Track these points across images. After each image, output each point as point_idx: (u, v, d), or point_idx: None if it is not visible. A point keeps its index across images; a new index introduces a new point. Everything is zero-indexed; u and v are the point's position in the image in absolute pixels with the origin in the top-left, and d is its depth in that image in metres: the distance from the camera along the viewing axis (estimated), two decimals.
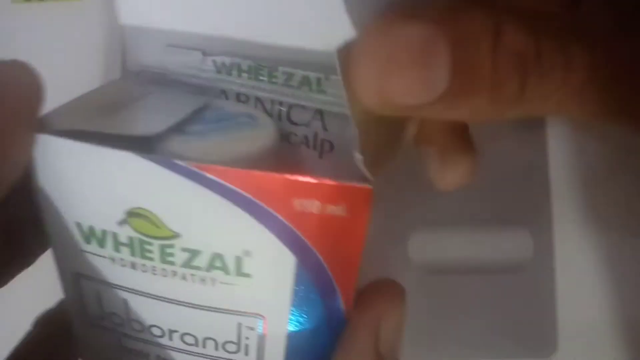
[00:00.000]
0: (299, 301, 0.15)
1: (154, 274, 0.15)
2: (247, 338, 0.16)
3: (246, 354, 0.16)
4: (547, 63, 0.13)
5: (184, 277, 0.15)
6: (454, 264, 0.30)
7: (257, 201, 0.13)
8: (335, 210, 0.14)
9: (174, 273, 0.15)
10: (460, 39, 0.13)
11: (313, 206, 0.13)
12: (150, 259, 0.14)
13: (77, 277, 0.16)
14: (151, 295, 0.15)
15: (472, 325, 0.29)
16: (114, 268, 0.15)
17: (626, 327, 0.29)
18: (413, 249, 0.30)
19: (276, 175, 0.13)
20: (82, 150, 0.13)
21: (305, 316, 0.15)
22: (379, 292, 0.17)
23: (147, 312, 0.16)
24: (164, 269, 0.15)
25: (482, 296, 0.29)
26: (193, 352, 0.16)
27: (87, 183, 0.14)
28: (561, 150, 0.29)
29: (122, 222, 0.14)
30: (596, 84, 0.14)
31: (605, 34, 0.14)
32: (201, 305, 0.15)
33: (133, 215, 0.14)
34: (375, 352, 0.16)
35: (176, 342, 0.16)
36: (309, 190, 0.13)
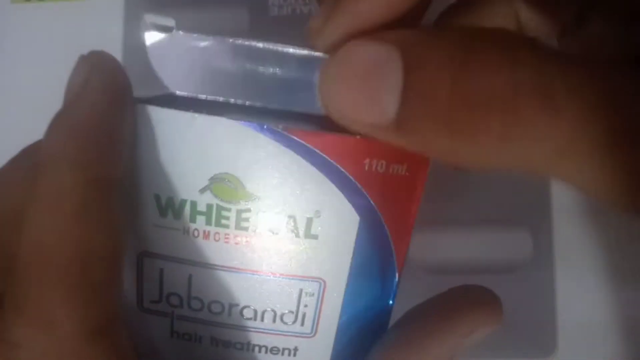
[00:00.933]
0: (358, 263, 0.16)
1: (226, 242, 0.15)
2: (305, 306, 0.16)
3: (302, 324, 0.17)
4: (525, 106, 0.11)
5: (255, 243, 0.15)
6: (454, 264, 0.30)
7: (333, 161, 0.15)
8: (398, 169, 0.15)
9: (247, 239, 0.15)
10: (419, 66, 0.11)
11: (380, 166, 0.15)
12: (225, 226, 0.15)
13: (141, 258, 0.16)
14: (218, 266, 0.16)
15: None
16: (185, 240, 0.16)
17: (626, 327, 0.29)
18: (413, 249, 0.30)
19: (351, 137, 0.14)
20: (177, 118, 0.14)
21: (361, 282, 0.16)
22: (474, 306, 0.16)
23: (210, 286, 0.16)
24: (236, 236, 0.15)
25: None
26: (250, 327, 0.17)
27: (177, 151, 0.15)
28: None
29: (204, 189, 0.15)
30: (587, 145, 0.11)
31: (611, 74, 0.11)
32: (267, 272, 0.16)
33: (216, 180, 0.15)
34: None
35: (234, 318, 0.17)
36: (379, 150, 0.14)
